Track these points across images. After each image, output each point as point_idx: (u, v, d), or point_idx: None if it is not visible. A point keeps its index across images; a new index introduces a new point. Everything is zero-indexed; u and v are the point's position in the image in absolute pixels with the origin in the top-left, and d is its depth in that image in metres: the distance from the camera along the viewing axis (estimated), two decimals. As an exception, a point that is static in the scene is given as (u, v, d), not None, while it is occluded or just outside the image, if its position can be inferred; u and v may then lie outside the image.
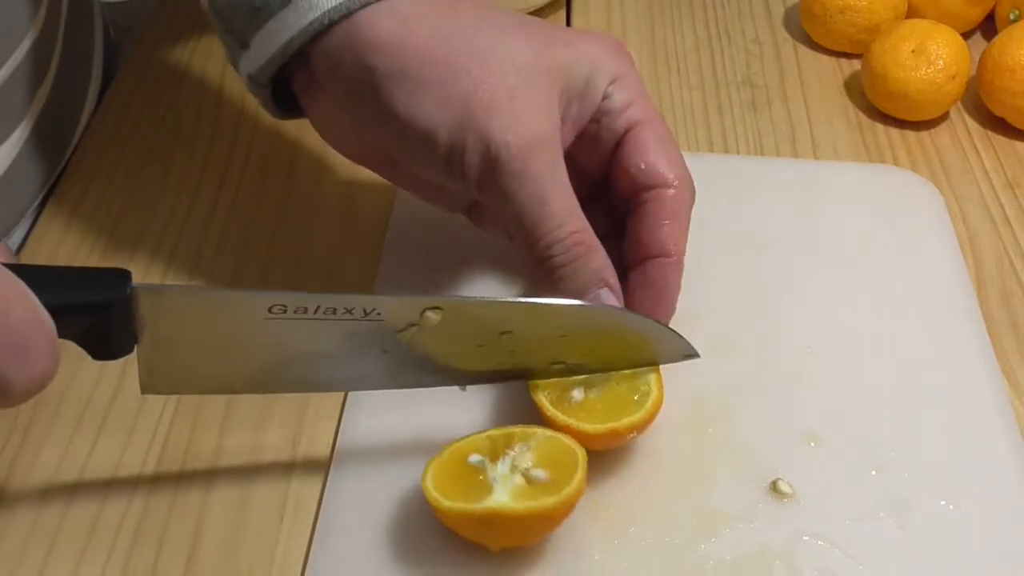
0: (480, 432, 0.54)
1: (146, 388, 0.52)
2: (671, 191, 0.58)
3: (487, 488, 0.51)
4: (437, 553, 0.53)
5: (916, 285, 0.67)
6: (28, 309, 0.44)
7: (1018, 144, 0.81)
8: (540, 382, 0.56)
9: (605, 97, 0.58)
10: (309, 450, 0.59)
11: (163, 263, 0.69)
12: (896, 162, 0.78)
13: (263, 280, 0.68)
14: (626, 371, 0.56)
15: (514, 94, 0.55)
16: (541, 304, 0.55)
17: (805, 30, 0.89)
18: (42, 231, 0.72)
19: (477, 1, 0.59)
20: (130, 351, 0.50)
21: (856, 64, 0.86)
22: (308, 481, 0.58)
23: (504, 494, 0.51)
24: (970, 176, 0.78)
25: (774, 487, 0.56)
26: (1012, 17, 0.85)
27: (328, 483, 0.57)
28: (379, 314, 0.52)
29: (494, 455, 0.53)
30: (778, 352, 0.63)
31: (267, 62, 0.57)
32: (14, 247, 0.73)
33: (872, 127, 0.82)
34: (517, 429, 0.54)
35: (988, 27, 0.90)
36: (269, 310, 0.50)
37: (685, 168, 0.59)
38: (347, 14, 0.55)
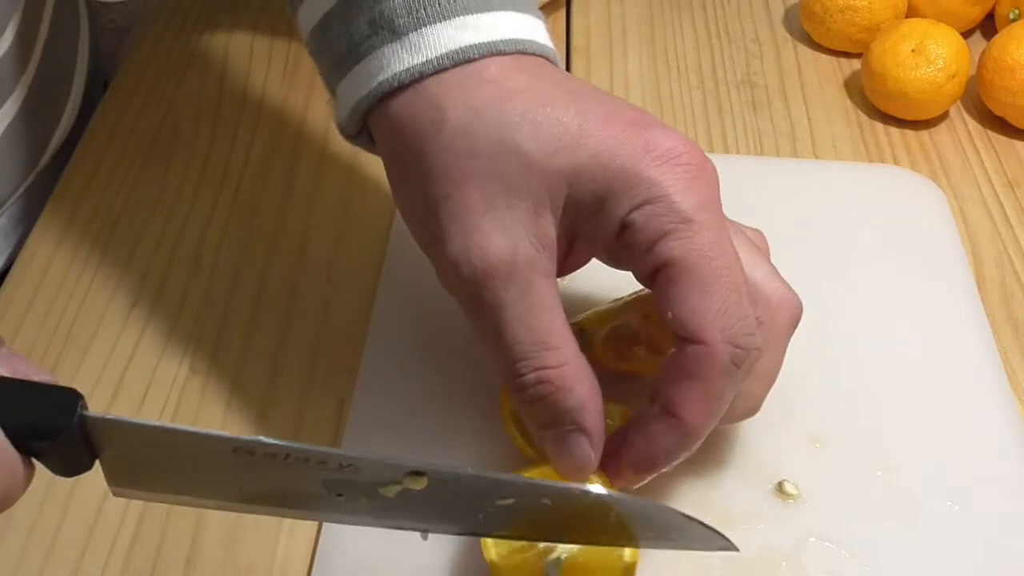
0: None
1: (116, 493, 0.47)
2: (701, 348, 0.48)
3: None
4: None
5: (919, 284, 0.67)
6: None
7: (1018, 143, 0.81)
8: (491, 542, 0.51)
9: (627, 225, 0.49)
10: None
11: (163, 263, 0.69)
12: (896, 161, 0.78)
13: (263, 280, 0.68)
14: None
15: (488, 206, 0.48)
16: (549, 487, 0.47)
17: (805, 30, 0.89)
18: (42, 231, 0.72)
19: (533, 73, 0.51)
20: (89, 469, 0.45)
21: (856, 63, 0.86)
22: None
23: None
24: (970, 176, 0.78)
25: (780, 488, 0.56)
26: (1012, 16, 0.85)
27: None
28: (356, 469, 0.45)
29: None
30: (781, 353, 0.62)
31: (348, 118, 0.54)
32: (13, 245, 0.73)
33: (872, 126, 0.82)
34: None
35: (988, 26, 0.90)
36: (233, 450, 0.45)
37: (729, 321, 0.48)
38: (399, 87, 0.51)
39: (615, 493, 0.48)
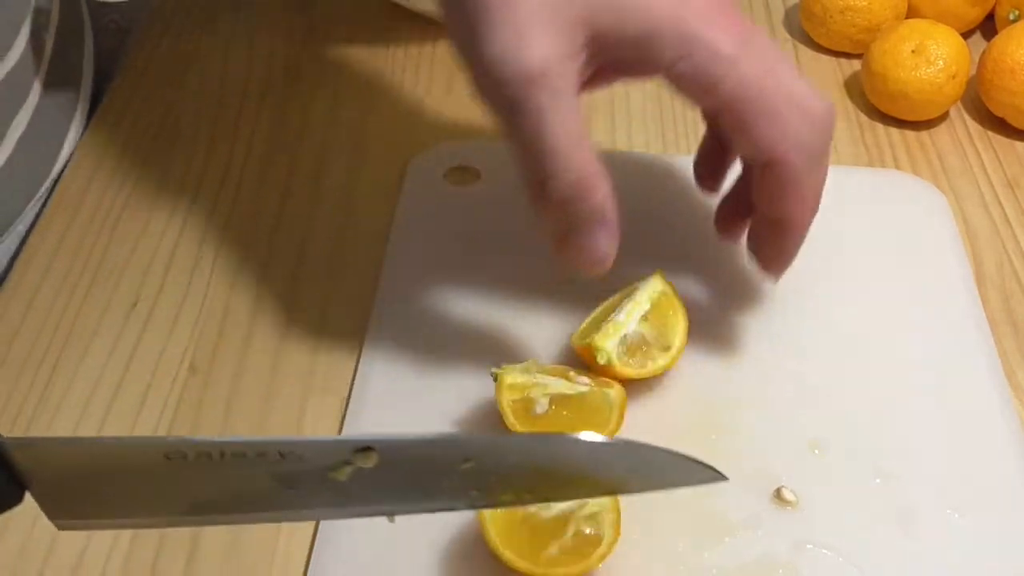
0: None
1: (61, 527, 0.45)
2: (785, 168, 0.54)
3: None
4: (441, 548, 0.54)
5: (919, 286, 0.67)
6: None
7: (1018, 144, 0.81)
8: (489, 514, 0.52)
9: (676, 76, 0.52)
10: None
11: (163, 263, 0.69)
12: (896, 162, 0.78)
13: (263, 280, 0.68)
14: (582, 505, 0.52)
15: (532, 16, 0.50)
16: (505, 441, 0.47)
17: (805, 30, 0.89)
18: (43, 230, 0.72)
19: None
20: (19, 502, 0.43)
21: (856, 64, 0.86)
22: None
23: None
24: (970, 176, 0.78)
25: (778, 495, 0.56)
26: (1012, 17, 0.85)
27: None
28: (300, 456, 0.43)
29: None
30: (781, 358, 0.62)
31: None
32: (15, 245, 0.73)
33: (872, 127, 0.82)
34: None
35: (988, 27, 0.89)
36: (166, 456, 0.43)
37: (800, 134, 0.53)
38: None
39: (584, 436, 0.44)
